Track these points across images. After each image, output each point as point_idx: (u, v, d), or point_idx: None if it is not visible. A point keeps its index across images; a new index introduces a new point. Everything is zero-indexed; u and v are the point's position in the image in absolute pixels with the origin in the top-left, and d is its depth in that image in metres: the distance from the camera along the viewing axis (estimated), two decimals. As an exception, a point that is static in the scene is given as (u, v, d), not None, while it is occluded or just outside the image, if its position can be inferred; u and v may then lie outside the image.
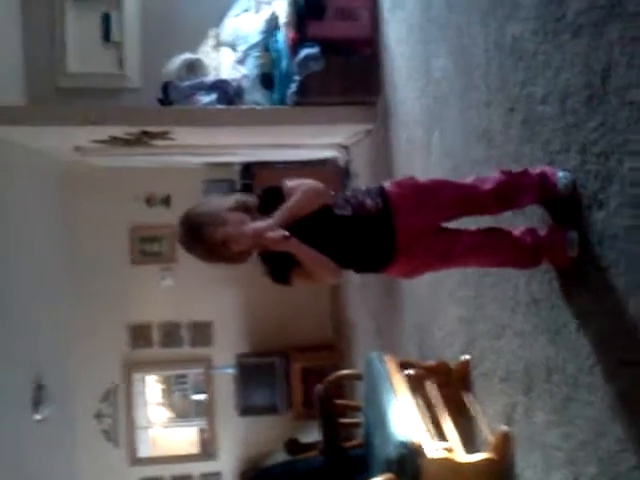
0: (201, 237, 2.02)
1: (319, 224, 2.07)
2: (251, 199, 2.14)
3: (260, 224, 2.03)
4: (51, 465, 5.71)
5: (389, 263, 2.12)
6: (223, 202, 2.10)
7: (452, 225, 2.24)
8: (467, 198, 2.16)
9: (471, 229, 2.24)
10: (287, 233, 1.98)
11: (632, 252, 1.79)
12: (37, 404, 5.38)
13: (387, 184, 2.18)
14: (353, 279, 5.97)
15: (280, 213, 2.04)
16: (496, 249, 2.18)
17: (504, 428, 2.66)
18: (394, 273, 2.20)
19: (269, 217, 2.04)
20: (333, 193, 2.16)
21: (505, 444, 2.64)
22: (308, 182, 2.11)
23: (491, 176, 2.21)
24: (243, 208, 2.08)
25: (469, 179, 2.24)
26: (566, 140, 2.09)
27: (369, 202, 2.11)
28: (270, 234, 1.99)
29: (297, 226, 2.02)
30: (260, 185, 2.26)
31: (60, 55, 5.79)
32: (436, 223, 2.17)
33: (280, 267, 2.08)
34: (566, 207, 2.11)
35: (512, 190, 2.16)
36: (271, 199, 2.09)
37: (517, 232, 2.20)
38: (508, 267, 2.37)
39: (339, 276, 2.12)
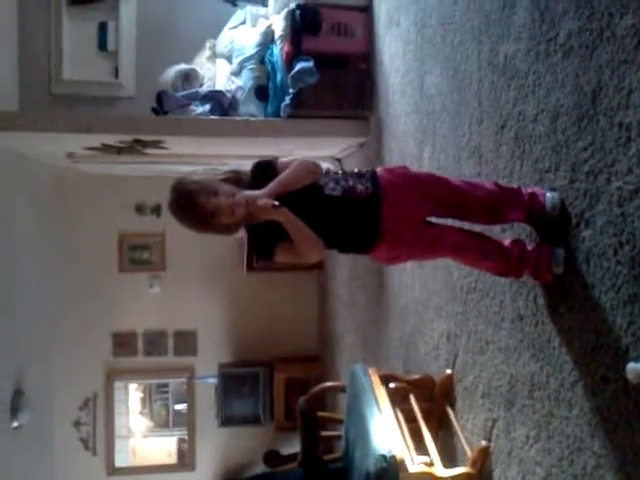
0: (191, 206, 2.03)
1: (308, 201, 2.10)
2: (243, 172, 2.17)
3: (252, 192, 2.06)
4: (27, 473, 5.62)
5: (372, 246, 2.15)
6: (216, 173, 2.13)
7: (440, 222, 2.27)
8: (456, 199, 2.19)
9: (460, 227, 2.27)
10: (278, 203, 2.01)
11: (616, 270, 1.82)
12: (15, 410, 5.27)
13: (379, 169, 2.22)
14: (340, 294, 5.98)
15: (272, 185, 2.08)
16: (481, 252, 2.21)
17: (483, 443, 2.68)
18: (377, 257, 2.23)
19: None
20: (325, 172, 2.19)
21: (483, 459, 2.65)
22: (301, 158, 2.16)
23: (484, 185, 2.24)
24: (235, 180, 2.11)
25: (459, 180, 2.27)
26: (556, 158, 2.13)
27: (359, 187, 2.14)
28: (262, 201, 2.02)
29: (286, 201, 2.04)
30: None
31: (56, 62, 5.80)
32: (422, 214, 2.19)
33: (265, 242, 2.11)
34: (554, 225, 2.13)
35: (502, 204, 2.19)
36: (263, 174, 2.13)
37: (506, 242, 2.23)
38: (489, 272, 2.39)
39: (322, 252, 2.14)
